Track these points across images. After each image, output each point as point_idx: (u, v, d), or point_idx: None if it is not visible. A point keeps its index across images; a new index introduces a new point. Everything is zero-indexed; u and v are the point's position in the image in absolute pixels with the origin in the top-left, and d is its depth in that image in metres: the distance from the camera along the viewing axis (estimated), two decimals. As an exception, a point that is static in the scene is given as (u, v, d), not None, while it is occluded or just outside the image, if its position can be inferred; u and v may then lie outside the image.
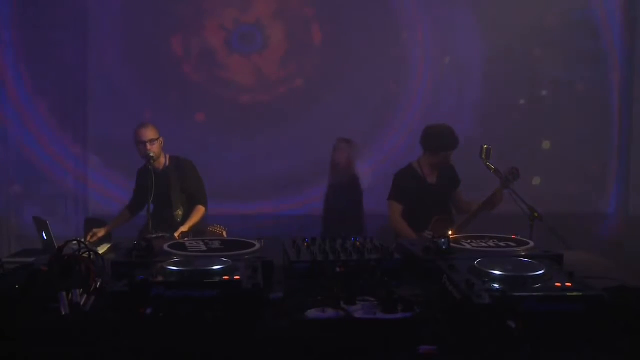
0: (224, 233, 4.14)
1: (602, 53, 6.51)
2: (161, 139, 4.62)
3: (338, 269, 2.34)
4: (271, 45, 6.45)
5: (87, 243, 3.04)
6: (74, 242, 2.38)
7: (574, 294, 1.92)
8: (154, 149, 4.49)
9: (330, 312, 1.98)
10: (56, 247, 2.53)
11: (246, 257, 2.50)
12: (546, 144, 6.36)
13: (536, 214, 3.80)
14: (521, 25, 6.10)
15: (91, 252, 2.39)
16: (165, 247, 2.68)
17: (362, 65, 6.31)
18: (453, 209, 4.54)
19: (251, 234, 2.96)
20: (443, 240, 2.55)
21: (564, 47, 6.35)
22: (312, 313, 1.99)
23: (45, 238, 3.38)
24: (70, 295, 2.03)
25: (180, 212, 4.56)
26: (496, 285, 1.97)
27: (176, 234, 4.19)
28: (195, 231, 4.42)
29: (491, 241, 2.82)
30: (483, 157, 4.07)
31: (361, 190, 4.98)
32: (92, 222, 4.70)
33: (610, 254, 3.98)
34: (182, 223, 4.46)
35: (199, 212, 4.58)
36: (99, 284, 2.23)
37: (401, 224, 4.34)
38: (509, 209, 4.08)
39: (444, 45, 6.48)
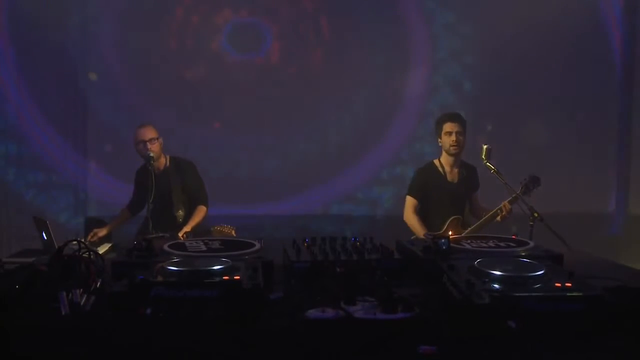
0: (233, 232, 4.12)
1: (603, 53, 6.51)
2: (161, 139, 4.61)
3: (338, 269, 2.34)
4: (272, 42, 6.45)
5: (87, 243, 3.04)
6: (74, 242, 2.38)
7: (574, 294, 1.92)
8: (153, 148, 4.49)
9: (330, 312, 1.98)
10: (56, 247, 2.52)
11: (246, 257, 2.50)
12: (546, 144, 6.36)
13: (536, 214, 3.79)
14: (523, 24, 6.10)
15: (91, 252, 2.39)
16: (165, 247, 2.68)
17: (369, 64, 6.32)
18: (467, 210, 4.52)
19: (252, 234, 2.96)
20: (443, 240, 2.55)
21: (565, 48, 6.35)
22: (312, 313, 1.99)
23: (45, 238, 3.37)
24: (70, 295, 2.03)
25: (181, 213, 4.56)
26: (496, 285, 1.97)
27: (180, 234, 4.19)
28: (199, 231, 4.42)
29: (491, 241, 2.82)
30: (483, 157, 4.06)
31: None
32: (93, 222, 4.69)
33: (610, 254, 3.99)
34: (184, 223, 4.46)
35: (201, 212, 4.58)
36: (99, 284, 2.23)
37: (412, 219, 4.33)
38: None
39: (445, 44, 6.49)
